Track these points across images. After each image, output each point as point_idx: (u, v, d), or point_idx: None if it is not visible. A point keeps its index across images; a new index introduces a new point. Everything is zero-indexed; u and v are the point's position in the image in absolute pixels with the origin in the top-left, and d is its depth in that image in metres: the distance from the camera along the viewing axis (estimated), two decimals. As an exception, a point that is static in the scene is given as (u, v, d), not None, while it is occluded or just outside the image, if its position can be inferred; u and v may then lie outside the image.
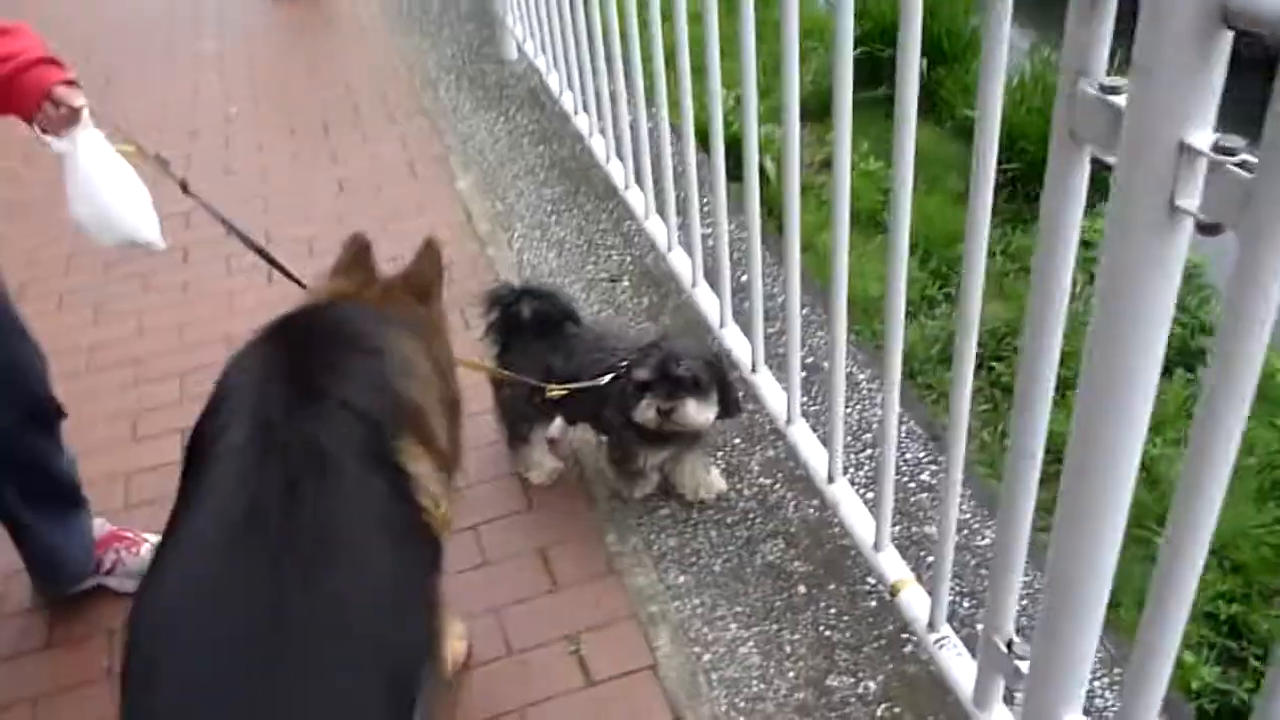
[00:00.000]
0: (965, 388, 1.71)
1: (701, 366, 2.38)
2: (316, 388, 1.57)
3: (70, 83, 1.99)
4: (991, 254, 4.71)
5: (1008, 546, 1.64)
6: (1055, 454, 3.38)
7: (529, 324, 2.56)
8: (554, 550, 2.54)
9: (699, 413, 2.37)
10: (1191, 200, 1.12)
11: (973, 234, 1.62)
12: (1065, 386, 3.86)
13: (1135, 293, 1.21)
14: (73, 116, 2.01)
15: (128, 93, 5.15)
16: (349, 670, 1.30)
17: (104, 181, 2.08)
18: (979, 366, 4.16)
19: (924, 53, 6.46)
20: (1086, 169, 1.29)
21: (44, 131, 2.01)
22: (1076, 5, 1.19)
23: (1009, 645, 1.72)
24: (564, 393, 2.48)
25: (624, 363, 2.45)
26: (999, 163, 5.13)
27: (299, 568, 1.31)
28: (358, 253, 1.98)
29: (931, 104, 5.78)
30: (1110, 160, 1.22)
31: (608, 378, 2.44)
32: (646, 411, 2.37)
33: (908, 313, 4.29)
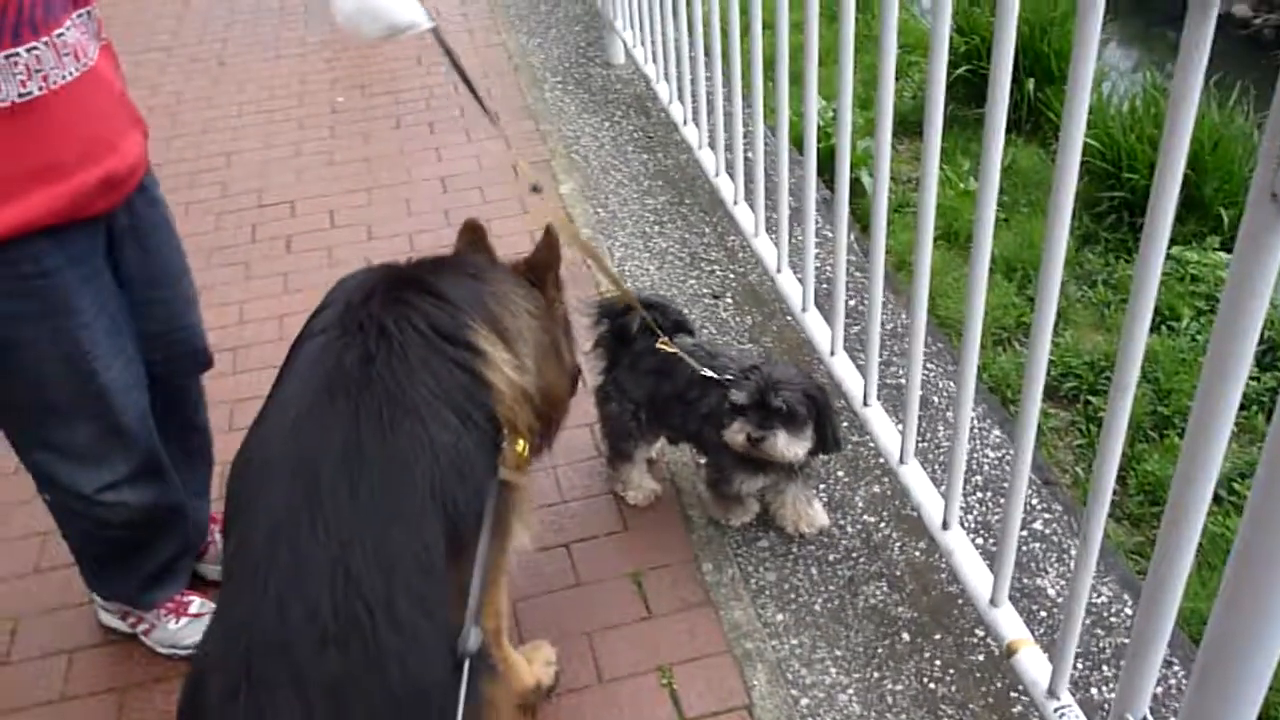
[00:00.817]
0: (1114, 454, 1.61)
1: (799, 398, 2.30)
2: (408, 284, 1.73)
3: None
4: (1093, 283, 4.55)
5: (1153, 624, 1.54)
6: (1151, 496, 3.24)
7: (639, 336, 2.51)
8: (649, 575, 2.48)
9: (789, 446, 2.29)
10: None
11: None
12: (1166, 425, 3.69)
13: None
14: None
15: (238, 77, 5.21)
16: (412, 499, 1.47)
17: None
18: (1074, 399, 4.03)
19: (1030, 73, 6.31)
20: (1287, 234, 1.19)
21: None
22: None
23: (1143, 725, 1.62)
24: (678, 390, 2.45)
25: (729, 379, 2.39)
26: (1105, 190, 4.96)
27: (374, 420, 1.51)
28: (474, 238, 2.01)
29: (1037, 125, 5.63)
30: (1320, 228, 1.12)
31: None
32: (736, 435, 2.31)
33: (1001, 339, 4.20)
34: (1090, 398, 3.80)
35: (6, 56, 1.69)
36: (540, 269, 1.99)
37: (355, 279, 1.78)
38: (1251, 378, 3.74)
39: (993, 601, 2.07)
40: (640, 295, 2.60)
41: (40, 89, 1.74)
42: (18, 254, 1.82)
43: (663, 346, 2.43)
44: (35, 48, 1.72)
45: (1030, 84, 5.51)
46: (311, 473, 1.46)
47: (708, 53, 3.38)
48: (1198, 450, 1.38)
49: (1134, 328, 1.50)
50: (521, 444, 1.77)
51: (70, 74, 1.79)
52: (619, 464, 2.64)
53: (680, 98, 3.89)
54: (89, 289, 1.95)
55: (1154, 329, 4.33)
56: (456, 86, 5.05)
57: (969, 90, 5.59)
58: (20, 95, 1.72)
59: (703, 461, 2.60)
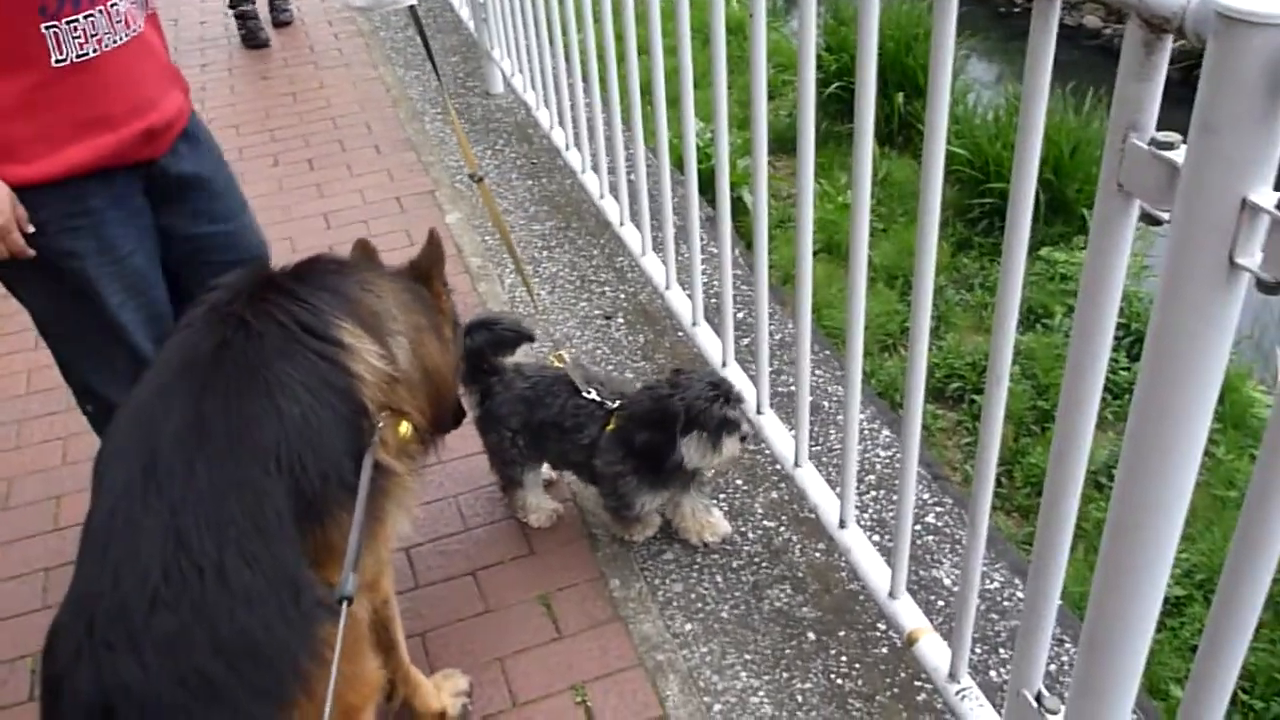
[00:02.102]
0: (994, 443, 1.69)
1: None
2: (274, 285, 1.78)
3: None
4: (970, 287, 4.73)
5: (1039, 602, 1.61)
6: (1038, 488, 3.37)
7: (492, 357, 2.54)
8: (557, 596, 2.49)
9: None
10: (1252, 258, 1.10)
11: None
12: (1047, 419, 3.84)
13: (1188, 349, 1.18)
14: None
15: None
16: (251, 468, 1.54)
17: None
18: (959, 399, 4.17)
19: (899, 87, 6.52)
20: (1133, 220, 1.27)
21: None
22: (1129, 60, 1.18)
23: (1038, 699, 1.69)
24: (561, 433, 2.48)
25: (614, 407, 2.46)
26: (976, 197, 5.15)
27: (219, 397, 1.59)
28: (365, 253, 2.09)
29: (908, 138, 5.83)
30: (1162, 215, 1.20)
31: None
32: (734, 448, 2.38)
33: (887, 345, 4.33)
34: (974, 397, 3.94)
35: (68, 22, 1.97)
36: (424, 268, 2.08)
37: (225, 281, 1.82)
38: (1123, 368, 3.93)
39: (891, 594, 2.14)
40: (474, 317, 2.61)
41: (95, 51, 2.01)
42: (69, 193, 2.07)
43: (554, 360, 2.48)
44: (91, 14, 1.99)
45: (900, 98, 5.71)
46: (151, 448, 1.55)
47: (586, 79, 3.43)
48: (1068, 432, 1.46)
49: (1005, 311, 1.58)
50: (405, 426, 1.82)
51: (120, 39, 2.05)
52: (511, 490, 2.64)
53: (561, 123, 3.93)
54: (129, 227, 2.17)
55: (1029, 327, 4.52)
56: (335, 121, 5.01)
57: (841, 106, 5.76)
58: (78, 56, 1.99)
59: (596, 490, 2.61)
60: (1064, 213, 5.00)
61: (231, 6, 5.91)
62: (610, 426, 2.45)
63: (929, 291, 1.79)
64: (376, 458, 1.72)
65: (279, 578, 1.50)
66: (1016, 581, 2.45)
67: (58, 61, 1.97)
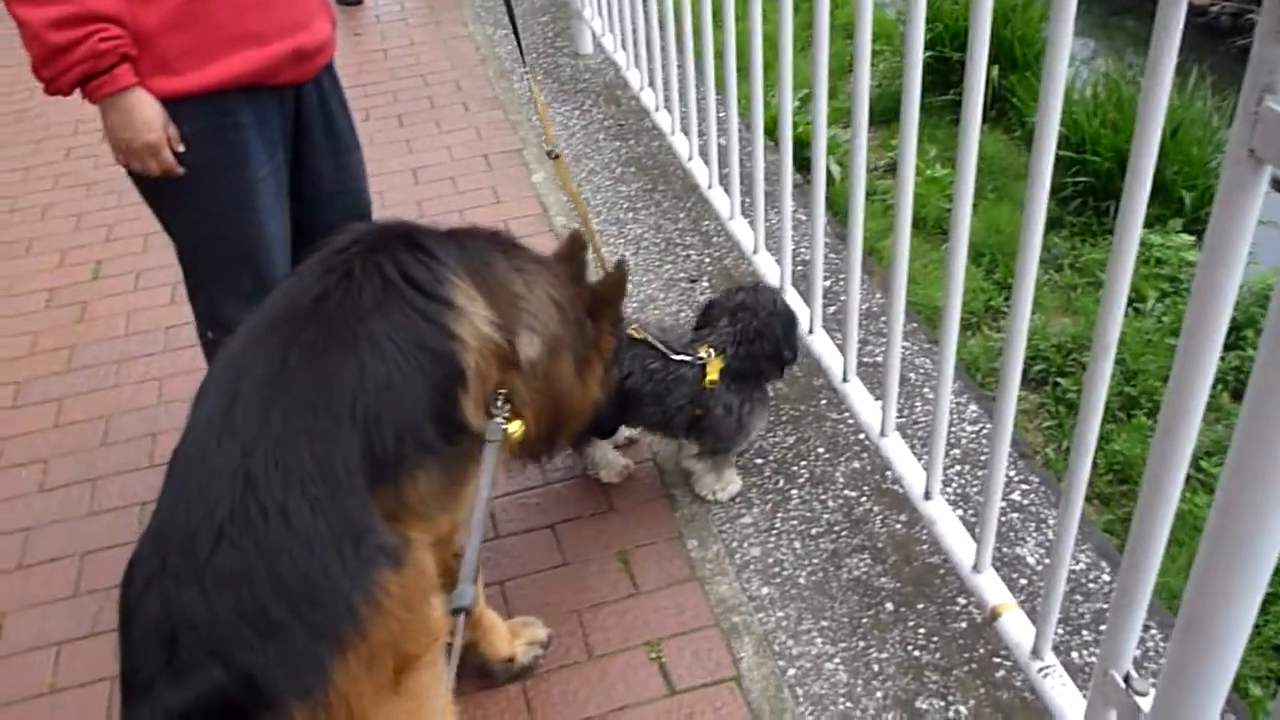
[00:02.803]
0: (1095, 418, 1.65)
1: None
2: (399, 236, 1.79)
3: None
4: (1059, 267, 4.62)
5: (1134, 580, 1.58)
6: (1120, 475, 3.29)
7: None
8: (635, 554, 2.51)
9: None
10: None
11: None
12: (1133, 406, 3.75)
13: (1316, 324, 1.15)
14: None
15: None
16: (326, 417, 1.57)
17: None
18: (1043, 382, 4.09)
19: (995, 60, 6.38)
20: (1263, 189, 1.23)
21: None
22: (1267, 20, 1.13)
23: (1126, 680, 1.66)
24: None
25: (706, 358, 2.48)
26: (1069, 175, 5.03)
27: (306, 349, 1.62)
28: (573, 247, 2.09)
29: (1001, 111, 5.69)
30: (1295, 184, 1.16)
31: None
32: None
33: (970, 324, 4.26)
34: (1059, 380, 3.86)
35: None
36: (600, 297, 2.09)
37: (355, 228, 1.85)
38: (1218, 357, 3.83)
39: (975, 568, 2.11)
40: None
41: None
42: (219, 106, 2.17)
43: (632, 332, 2.47)
44: None
45: (995, 71, 5.58)
46: (232, 391, 1.59)
47: (680, 41, 3.40)
48: (1174, 423, 1.42)
49: (1115, 290, 1.55)
50: (517, 427, 1.83)
51: None
52: (581, 447, 2.66)
53: (652, 85, 3.92)
54: (268, 150, 2.28)
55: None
56: (425, 78, 5.05)
57: (933, 77, 5.64)
58: None
59: (692, 444, 2.61)
60: (1161, 193, 4.86)
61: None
62: (712, 375, 2.46)
63: (1034, 266, 1.75)
64: (469, 420, 1.73)
65: (341, 524, 1.53)
66: (1103, 564, 2.41)
67: None
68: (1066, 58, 1.62)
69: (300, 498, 1.50)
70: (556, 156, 2.82)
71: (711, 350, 2.49)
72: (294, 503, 1.50)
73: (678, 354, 2.48)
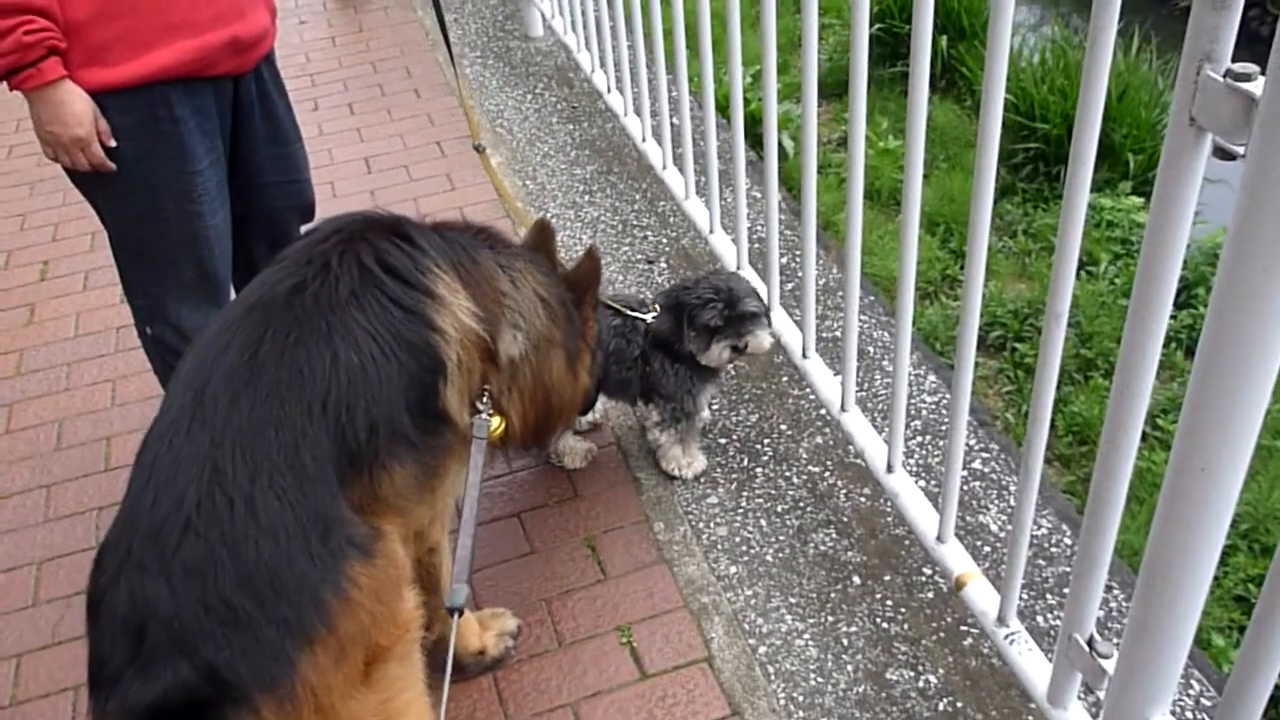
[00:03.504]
0: (1049, 387, 1.66)
1: (756, 296, 2.50)
2: (380, 226, 1.78)
3: None
4: (1013, 233, 4.65)
5: (1094, 544, 1.60)
6: (1079, 436, 3.33)
7: None
8: (602, 539, 2.51)
9: (767, 338, 2.48)
10: (1334, 193, 1.07)
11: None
12: (1089, 368, 3.79)
13: (1262, 288, 1.16)
14: None
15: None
16: (296, 408, 1.56)
17: None
18: (1001, 348, 4.13)
19: (943, 30, 6.39)
20: (1205, 156, 1.24)
21: None
22: (1206, -13, 1.14)
23: (1090, 643, 1.68)
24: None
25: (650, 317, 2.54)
26: (1020, 141, 5.04)
27: (279, 338, 1.61)
28: (541, 235, 2.09)
29: (951, 82, 5.71)
30: (1238, 149, 1.17)
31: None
32: (722, 353, 2.44)
33: (928, 293, 4.28)
34: (1016, 345, 3.89)
35: None
36: (578, 285, 2.09)
37: (337, 218, 1.83)
38: (1170, 315, 3.87)
39: (939, 538, 2.13)
40: None
41: None
42: (154, 98, 2.15)
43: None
44: None
45: (944, 41, 5.60)
46: (202, 380, 1.58)
47: (629, 21, 3.38)
48: (1129, 377, 1.43)
49: (1066, 252, 1.55)
50: (498, 424, 1.83)
51: None
52: None
53: (603, 66, 3.89)
54: (207, 142, 2.26)
55: (1074, 275, 4.45)
56: (374, 65, 4.99)
57: (883, 49, 5.65)
58: None
59: (651, 409, 2.62)
60: (1110, 157, 4.90)
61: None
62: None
63: (984, 233, 1.76)
64: (450, 412, 1.72)
65: (309, 515, 1.52)
66: (1064, 528, 2.44)
67: None
68: (1009, 25, 1.62)
69: (268, 488, 1.49)
70: (482, 150, 2.82)
71: (659, 306, 2.54)
72: (261, 494, 1.49)
73: (633, 310, 2.52)
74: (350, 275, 1.67)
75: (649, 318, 2.53)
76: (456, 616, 1.55)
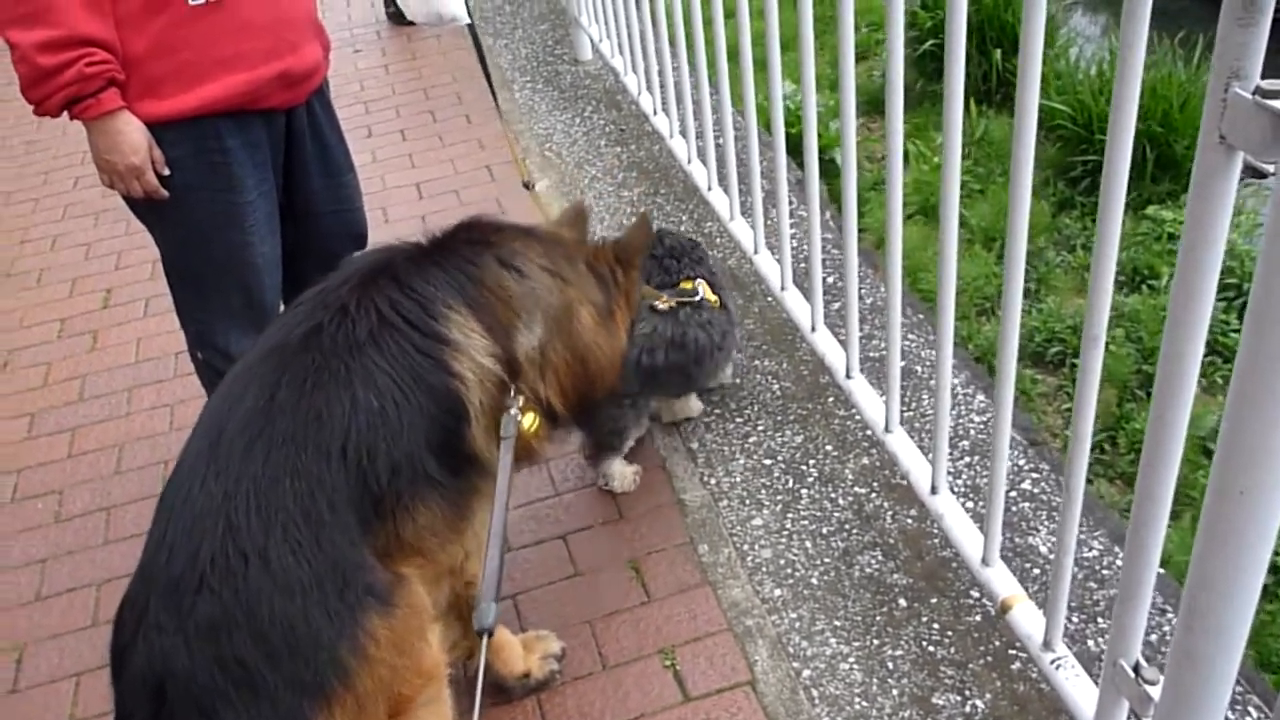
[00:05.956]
0: (1089, 407, 1.64)
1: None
2: (388, 271, 1.76)
3: None
4: (1072, 248, 4.57)
5: (1138, 570, 1.57)
6: (1140, 452, 3.28)
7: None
8: (646, 561, 2.51)
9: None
10: (1366, 210, 1.04)
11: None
12: (1151, 384, 3.73)
13: (1296, 307, 1.13)
14: None
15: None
16: (315, 455, 1.54)
17: None
18: (1060, 364, 4.06)
19: (998, 44, 6.31)
20: (1236, 174, 1.22)
21: None
22: (1231, 4, 1.12)
23: (1136, 669, 1.65)
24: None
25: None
26: (1078, 154, 4.96)
27: (296, 383, 1.59)
28: (576, 216, 2.10)
29: (1007, 95, 5.64)
30: (1268, 168, 1.14)
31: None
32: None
33: (985, 310, 4.22)
34: (1076, 361, 3.82)
35: None
36: (627, 249, 2.09)
37: (353, 261, 1.85)
38: (1234, 330, 3.77)
39: (984, 561, 2.10)
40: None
41: None
42: (204, 130, 2.21)
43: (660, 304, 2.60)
44: None
45: (998, 55, 5.54)
46: (218, 429, 1.57)
47: (673, 42, 3.40)
48: (1168, 394, 1.40)
49: (1102, 270, 1.53)
50: (531, 419, 1.81)
51: None
52: (604, 458, 2.66)
53: (649, 88, 3.91)
54: (258, 173, 2.31)
55: (1134, 289, 4.36)
56: (426, 92, 5.06)
57: (937, 65, 5.59)
58: None
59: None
60: (1171, 169, 4.80)
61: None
62: (710, 296, 2.72)
63: (1022, 252, 1.74)
64: (477, 452, 1.71)
65: (325, 567, 1.50)
66: (1116, 550, 2.39)
67: (193, 1, 2.10)
68: (1041, 34, 1.60)
69: (282, 541, 1.48)
70: (530, 187, 2.86)
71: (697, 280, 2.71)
72: (275, 547, 1.48)
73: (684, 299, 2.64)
74: (368, 319, 1.67)
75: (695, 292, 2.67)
76: (487, 637, 1.52)
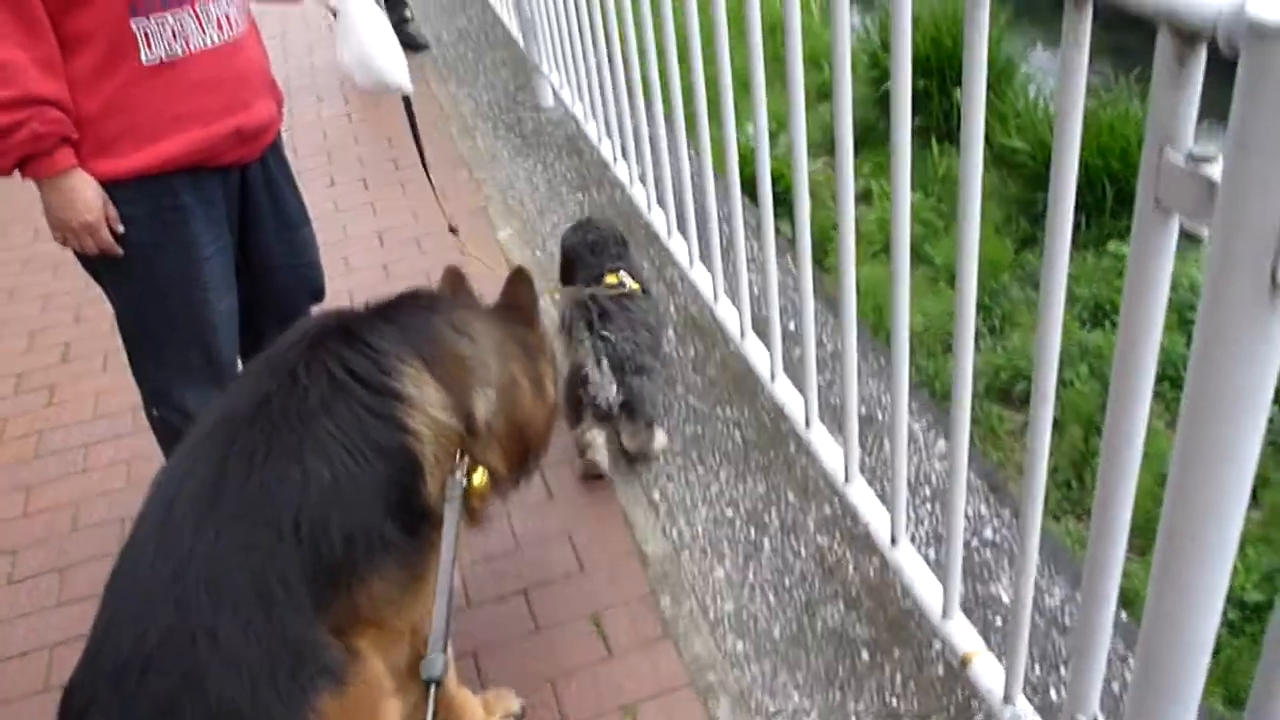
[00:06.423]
0: (1040, 466, 1.64)
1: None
2: (337, 331, 1.75)
3: None
4: (1035, 284, 4.59)
5: (1093, 625, 1.56)
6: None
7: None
8: (607, 615, 2.48)
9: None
10: (1297, 277, 1.05)
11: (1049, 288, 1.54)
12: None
13: (1233, 369, 1.13)
14: None
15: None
16: (265, 531, 1.52)
17: (367, 33, 2.57)
18: (1025, 400, 4.06)
19: (958, 82, 6.41)
20: (1174, 236, 1.22)
21: None
22: (1161, 71, 1.13)
23: (1094, 725, 1.64)
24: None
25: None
26: (1042, 189, 4.98)
27: (245, 457, 1.57)
28: (453, 282, 2.10)
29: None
30: (1202, 231, 1.15)
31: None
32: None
33: (949, 346, 4.24)
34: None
35: (157, 20, 2.09)
36: (521, 308, 2.09)
37: (298, 327, 1.82)
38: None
39: (944, 614, 2.09)
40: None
41: (183, 51, 2.14)
42: (160, 188, 2.20)
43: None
44: (180, 15, 2.12)
45: (957, 93, 5.60)
46: (167, 506, 1.55)
47: (630, 88, 3.41)
48: (1116, 452, 1.41)
49: (1047, 328, 1.53)
50: (481, 477, 1.81)
51: (211, 41, 2.18)
52: (654, 433, 2.84)
53: (609, 135, 3.92)
54: (214, 230, 2.31)
55: (1096, 324, 4.40)
56: (389, 140, 5.06)
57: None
58: (167, 54, 2.12)
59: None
60: (1131, 205, 4.87)
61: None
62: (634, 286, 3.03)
63: (972, 295, 1.74)
64: (433, 507, 1.70)
65: (276, 647, 1.47)
66: (1078, 597, 2.38)
67: (147, 60, 2.10)
68: (983, 73, 1.63)
69: (232, 620, 1.45)
70: (454, 230, 2.93)
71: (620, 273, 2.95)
72: (225, 628, 1.45)
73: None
74: (319, 385, 1.65)
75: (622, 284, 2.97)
76: (434, 688, 1.50)
